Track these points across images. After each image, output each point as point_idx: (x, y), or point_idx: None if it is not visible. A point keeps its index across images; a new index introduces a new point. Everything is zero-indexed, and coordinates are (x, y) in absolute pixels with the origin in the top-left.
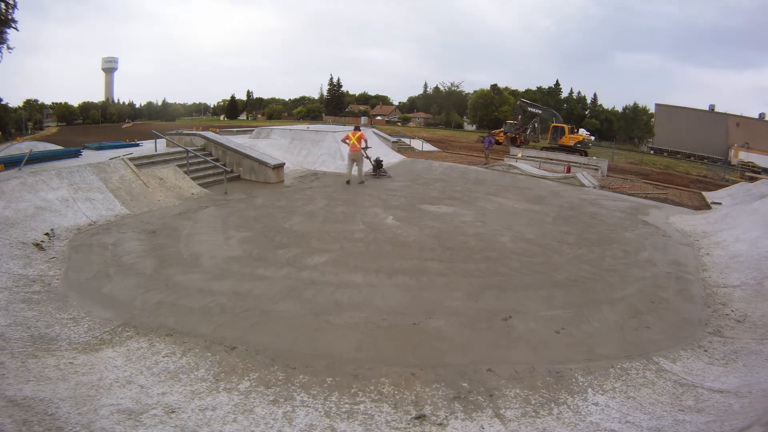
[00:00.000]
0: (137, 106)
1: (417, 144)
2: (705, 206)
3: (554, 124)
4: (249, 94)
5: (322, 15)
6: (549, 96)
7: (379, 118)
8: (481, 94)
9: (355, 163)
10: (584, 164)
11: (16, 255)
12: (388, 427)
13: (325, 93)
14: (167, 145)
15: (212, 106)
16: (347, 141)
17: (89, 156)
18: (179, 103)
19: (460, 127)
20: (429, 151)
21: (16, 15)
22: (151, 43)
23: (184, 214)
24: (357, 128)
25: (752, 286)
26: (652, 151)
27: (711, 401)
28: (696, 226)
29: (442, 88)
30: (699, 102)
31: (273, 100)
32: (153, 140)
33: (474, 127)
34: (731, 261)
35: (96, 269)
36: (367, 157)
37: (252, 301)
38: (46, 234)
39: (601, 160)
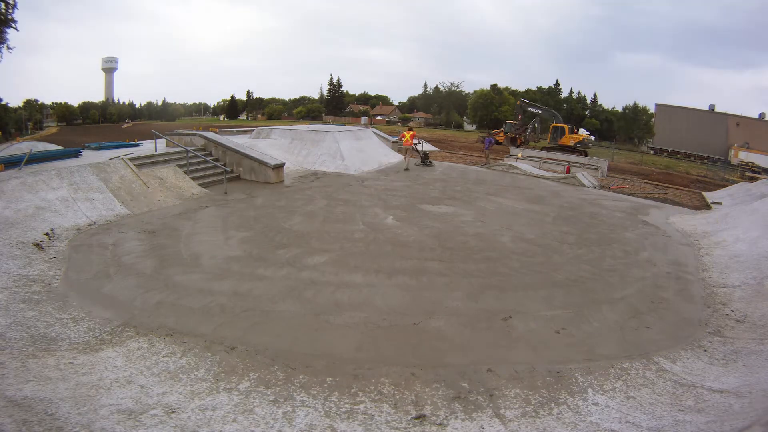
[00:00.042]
0: (137, 106)
1: (419, 144)
2: (705, 206)
3: (554, 124)
4: (249, 94)
5: (322, 15)
6: (549, 96)
7: (379, 118)
8: (481, 94)
9: (408, 155)
10: (584, 164)
11: (16, 255)
12: (388, 427)
13: (325, 93)
14: (167, 145)
15: (212, 106)
16: (402, 138)
17: (89, 156)
18: (179, 103)
19: (460, 127)
20: (429, 151)
21: (16, 15)
22: (151, 43)
23: (184, 214)
24: (410, 128)
25: (752, 286)
26: (652, 151)
27: (711, 401)
28: (696, 226)
29: (442, 88)
30: (699, 102)
31: (273, 100)
32: (153, 140)
33: (474, 127)
34: (731, 261)
35: (96, 269)
36: (417, 151)
37: (252, 301)
38: (46, 234)
39: (601, 160)
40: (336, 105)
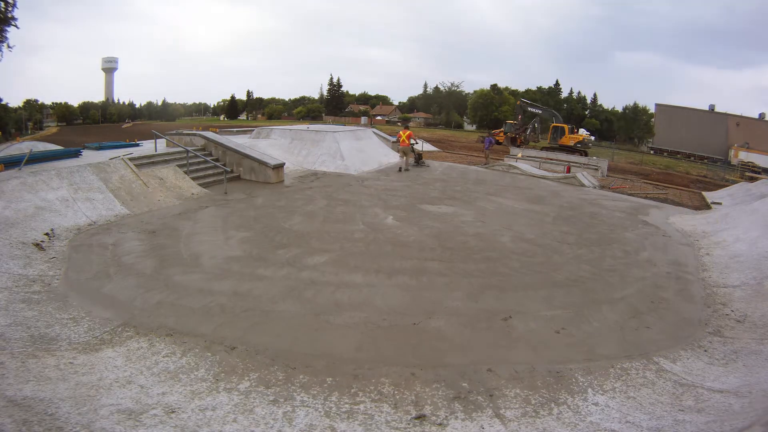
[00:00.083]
0: (137, 106)
1: (417, 144)
2: (705, 206)
3: (554, 124)
4: (249, 94)
5: (322, 15)
6: (549, 96)
7: (379, 118)
8: (481, 94)
9: (404, 155)
10: (584, 164)
11: (16, 255)
12: (388, 427)
13: (325, 93)
14: (167, 145)
15: (212, 106)
16: (398, 138)
17: (89, 156)
18: (179, 103)
19: (460, 127)
20: (429, 151)
21: (16, 14)
22: (151, 43)
23: (184, 214)
24: (406, 127)
25: (752, 286)
26: (652, 151)
27: (711, 401)
28: (696, 226)
29: (442, 88)
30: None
31: (273, 100)
32: (153, 140)
33: (474, 127)
34: (731, 261)
35: (96, 269)
36: (413, 151)
37: (252, 301)
38: (46, 234)
39: (601, 160)
40: (336, 105)
